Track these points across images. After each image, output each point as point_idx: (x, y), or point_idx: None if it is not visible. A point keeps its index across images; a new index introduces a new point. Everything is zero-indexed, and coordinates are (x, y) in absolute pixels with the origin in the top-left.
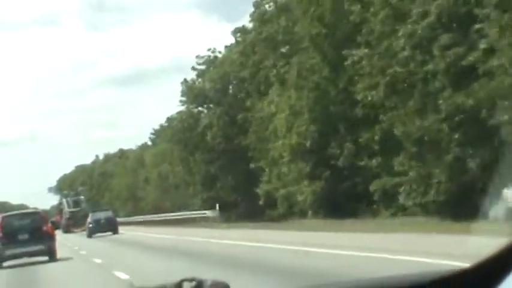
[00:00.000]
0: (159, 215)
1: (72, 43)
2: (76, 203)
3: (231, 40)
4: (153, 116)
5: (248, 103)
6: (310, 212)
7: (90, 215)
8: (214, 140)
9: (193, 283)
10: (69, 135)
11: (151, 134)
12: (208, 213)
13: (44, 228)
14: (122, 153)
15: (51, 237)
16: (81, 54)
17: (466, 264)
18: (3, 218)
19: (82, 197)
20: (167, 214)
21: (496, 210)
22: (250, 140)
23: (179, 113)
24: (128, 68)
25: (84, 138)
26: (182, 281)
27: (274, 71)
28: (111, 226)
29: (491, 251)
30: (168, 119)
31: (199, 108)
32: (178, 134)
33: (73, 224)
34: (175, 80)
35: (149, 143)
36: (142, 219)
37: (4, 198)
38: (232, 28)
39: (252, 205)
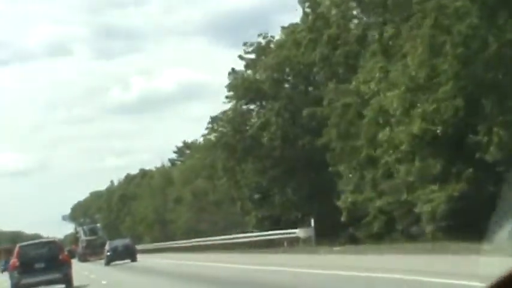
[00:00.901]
0: (204, 239)
1: (82, 71)
2: (92, 231)
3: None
4: (164, 142)
5: (316, 93)
6: (429, 228)
7: (108, 242)
8: (272, 142)
9: None
10: (80, 163)
11: (175, 152)
12: (300, 232)
13: (61, 256)
14: (144, 174)
15: (68, 265)
16: (91, 82)
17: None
18: (20, 247)
19: (98, 224)
20: (213, 238)
21: None
22: (329, 137)
23: (225, 112)
24: (138, 94)
25: (96, 165)
26: None
27: (376, 35)
28: (129, 253)
29: None
30: (212, 119)
31: (250, 106)
32: (224, 138)
33: (90, 252)
34: (187, 106)
35: (168, 164)
36: (179, 245)
37: (18, 228)
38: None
39: (327, 222)
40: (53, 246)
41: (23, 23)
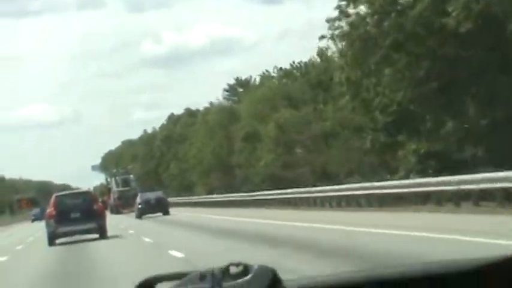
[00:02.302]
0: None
1: (114, 24)
2: (125, 182)
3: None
4: (193, 98)
5: None
6: None
7: (139, 195)
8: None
9: (240, 268)
10: (111, 116)
11: (226, 90)
12: None
13: (95, 207)
14: (191, 113)
15: (102, 216)
16: (123, 36)
17: None
18: (56, 197)
19: (131, 175)
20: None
21: None
22: None
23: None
24: (169, 49)
25: (126, 119)
26: (229, 265)
27: None
28: (161, 207)
29: None
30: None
31: None
32: (362, 24)
33: (122, 204)
34: (217, 62)
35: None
36: (252, 198)
37: (47, 178)
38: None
39: None
40: (88, 196)
41: None
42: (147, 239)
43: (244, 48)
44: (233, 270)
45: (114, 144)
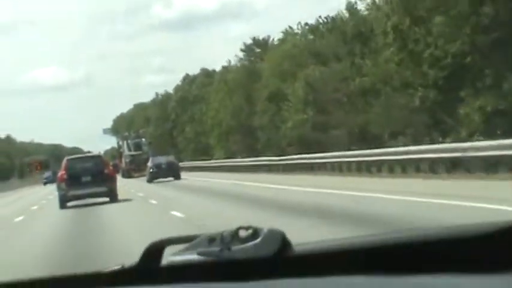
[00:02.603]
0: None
1: None
2: (137, 146)
3: None
4: (205, 62)
5: None
6: None
7: (150, 159)
8: None
9: (250, 231)
10: (122, 79)
11: (242, 50)
12: None
13: (106, 171)
14: (207, 74)
15: (113, 180)
16: None
17: None
18: (68, 160)
19: (143, 139)
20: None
21: None
22: None
23: None
24: (180, 12)
25: (138, 82)
26: (238, 228)
27: None
28: (172, 171)
29: None
30: None
31: None
32: None
33: (134, 168)
34: (228, 26)
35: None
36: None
37: (58, 141)
38: None
39: None
40: (99, 160)
41: None
42: (154, 202)
43: (256, 11)
44: (242, 233)
45: (125, 107)
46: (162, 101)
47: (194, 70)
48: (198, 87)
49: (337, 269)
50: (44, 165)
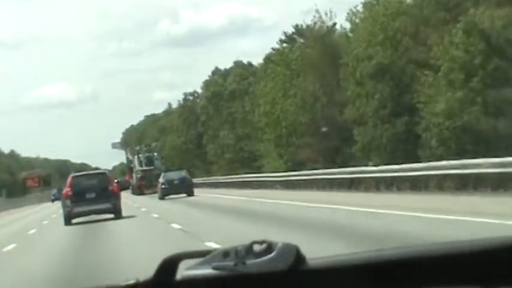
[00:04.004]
0: None
1: (132, 3)
2: (149, 161)
3: None
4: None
5: None
6: None
7: (162, 174)
8: None
9: (264, 245)
10: (129, 96)
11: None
12: None
13: (110, 187)
14: (241, 65)
15: (117, 196)
16: (141, 14)
17: None
18: (73, 177)
19: (155, 153)
20: None
21: None
22: None
23: None
24: (187, 28)
25: (145, 98)
26: (253, 243)
27: None
28: (185, 187)
29: None
30: None
31: None
32: None
33: (145, 184)
34: (235, 40)
35: None
36: None
37: (65, 157)
38: None
39: None
40: (103, 177)
41: None
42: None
43: (263, 28)
44: (256, 248)
45: (136, 120)
46: (182, 107)
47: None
48: (235, 81)
49: (351, 284)
50: (44, 181)
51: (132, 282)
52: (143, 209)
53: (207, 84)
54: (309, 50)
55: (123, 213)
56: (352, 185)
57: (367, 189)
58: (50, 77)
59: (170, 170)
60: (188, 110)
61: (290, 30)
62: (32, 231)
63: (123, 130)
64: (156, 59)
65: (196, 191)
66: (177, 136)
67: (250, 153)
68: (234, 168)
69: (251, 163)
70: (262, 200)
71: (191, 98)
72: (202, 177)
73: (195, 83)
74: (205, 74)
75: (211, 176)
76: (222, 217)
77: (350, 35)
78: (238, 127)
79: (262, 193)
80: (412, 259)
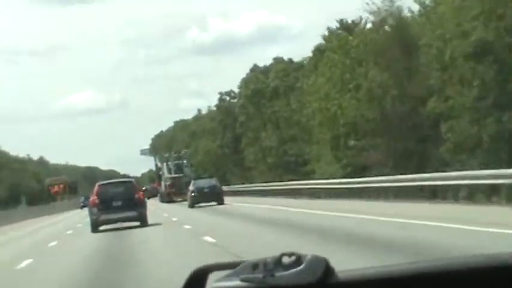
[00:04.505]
0: None
1: (161, 11)
2: (178, 168)
3: None
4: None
5: None
6: None
7: (192, 182)
8: None
9: (293, 258)
10: (157, 103)
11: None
12: None
13: (136, 195)
14: (280, 61)
15: (143, 205)
16: (170, 22)
17: None
18: (100, 186)
19: (185, 160)
20: None
21: None
22: None
23: None
24: (215, 35)
25: (173, 106)
26: (282, 255)
27: None
28: (215, 195)
29: None
30: None
31: None
32: None
33: (175, 192)
34: (263, 49)
35: None
36: None
37: (94, 164)
38: None
39: None
40: (130, 185)
41: None
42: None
43: (291, 36)
44: (285, 260)
45: (165, 126)
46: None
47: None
48: (278, 77)
49: None
50: (70, 188)
51: None
52: (174, 219)
53: (246, 82)
54: (375, 34)
55: (153, 222)
56: (435, 194)
57: (456, 199)
58: (78, 85)
59: (200, 178)
60: (224, 111)
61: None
62: (53, 243)
63: (152, 136)
64: (183, 66)
65: (234, 199)
66: (211, 140)
67: (297, 157)
68: (277, 174)
69: (297, 168)
70: (316, 212)
71: (227, 98)
72: (239, 184)
73: (224, 90)
74: (234, 81)
75: (251, 183)
76: (271, 233)
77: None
78: (282, 128)
79: (315, 204)
80: (447, 272)
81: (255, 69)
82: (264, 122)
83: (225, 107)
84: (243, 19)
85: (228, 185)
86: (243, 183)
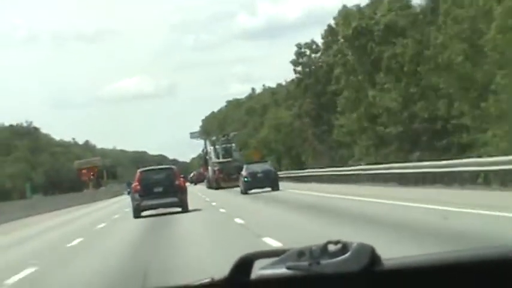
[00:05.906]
0: None
1: None
2: (227, 152)
3: None
4: (288, 70)
5: None
6: None
7: (244, 167)
8: None
9: (339, 246)
10: (205, 88)
11: None
12: None
13: (177, 182)
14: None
15: (183, 191)
16: (218, 7)
17: None
18: (141, 172)
19: (234, 144)
20: None
21: None
22: None
23: None
24: (264, 20)
25: (220, 91)
26: (327, 243)
27: None
28: (269, 181)
29: None
30: None
31: None
32: None
33: (223, 177)
34: (312, 32)
35: None
36: None
37: (143, 148)
38: None
39: None
40: (170, 172)
41: None
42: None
43: None
44: (331, 248)
45: (216, 107)
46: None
47: (277, 79)
48: (393, 10)
49: (426, 285)
50: (108, 173)
51: (207, 281)
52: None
53: (344, 16)
54: None
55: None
56: None
57: None
58: (126, 70)
59: (253, 162)
60: (303, 71)
61: None
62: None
63: (198, 125)
64: (232, 51)
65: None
66: (284, 108)
67: (445, 121)
68: (400, 150)
69: (435, 142)
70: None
71: (307, 51)
72: (323, 167)
73: (272, 76)
74: (280, 68)
75: (341, 166)
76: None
77: None
78: (404, 79)
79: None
80: (492, 261)
81: (327, 31)
82: (370, 73)
83: (304, 65)
84: (292, 3)
85: (303, 169)
86: (334, 166)
